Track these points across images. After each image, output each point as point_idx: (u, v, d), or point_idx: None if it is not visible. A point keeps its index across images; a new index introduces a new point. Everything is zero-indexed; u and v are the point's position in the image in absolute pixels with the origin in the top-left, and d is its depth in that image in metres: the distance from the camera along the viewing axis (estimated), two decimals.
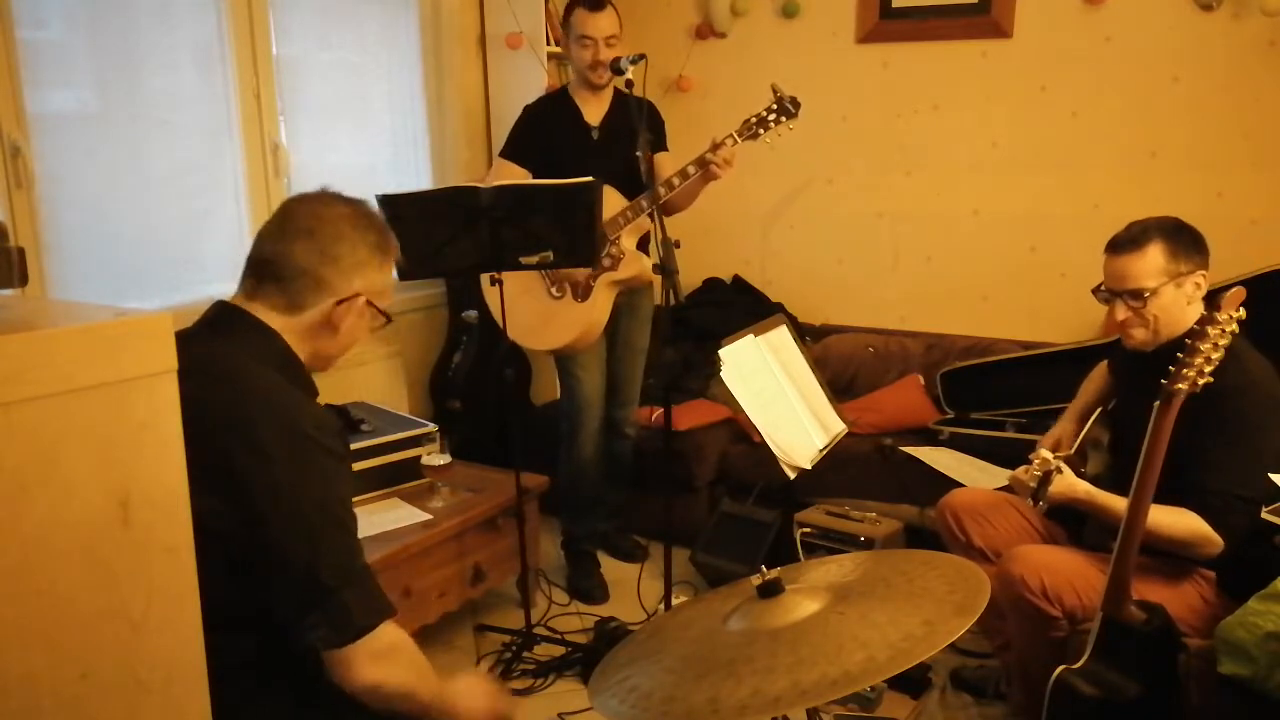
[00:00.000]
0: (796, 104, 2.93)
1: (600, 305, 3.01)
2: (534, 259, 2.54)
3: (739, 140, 2.90)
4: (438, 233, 2.48)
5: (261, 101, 3.06)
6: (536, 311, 3.01)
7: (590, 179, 2.50)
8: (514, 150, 3.12)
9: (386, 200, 2.42)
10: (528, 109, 3.17)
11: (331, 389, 3.15)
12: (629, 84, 2.61)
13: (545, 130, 3.10)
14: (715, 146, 2.87)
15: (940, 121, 3.75)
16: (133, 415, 1.00)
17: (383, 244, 1.51)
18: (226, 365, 1.36)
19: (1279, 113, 3.25)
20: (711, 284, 4.19)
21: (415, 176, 3.72)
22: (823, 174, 4.00)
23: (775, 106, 2.91)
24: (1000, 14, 3.56)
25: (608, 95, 3.12)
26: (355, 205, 1.51)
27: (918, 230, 3.87)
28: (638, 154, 3.02)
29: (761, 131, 2.92)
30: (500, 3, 3.75)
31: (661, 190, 2.89)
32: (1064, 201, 3.59)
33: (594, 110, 3.13)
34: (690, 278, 4.05)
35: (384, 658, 1.37)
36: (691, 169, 2.90)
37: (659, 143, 3.19)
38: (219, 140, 3.00)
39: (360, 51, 3.49)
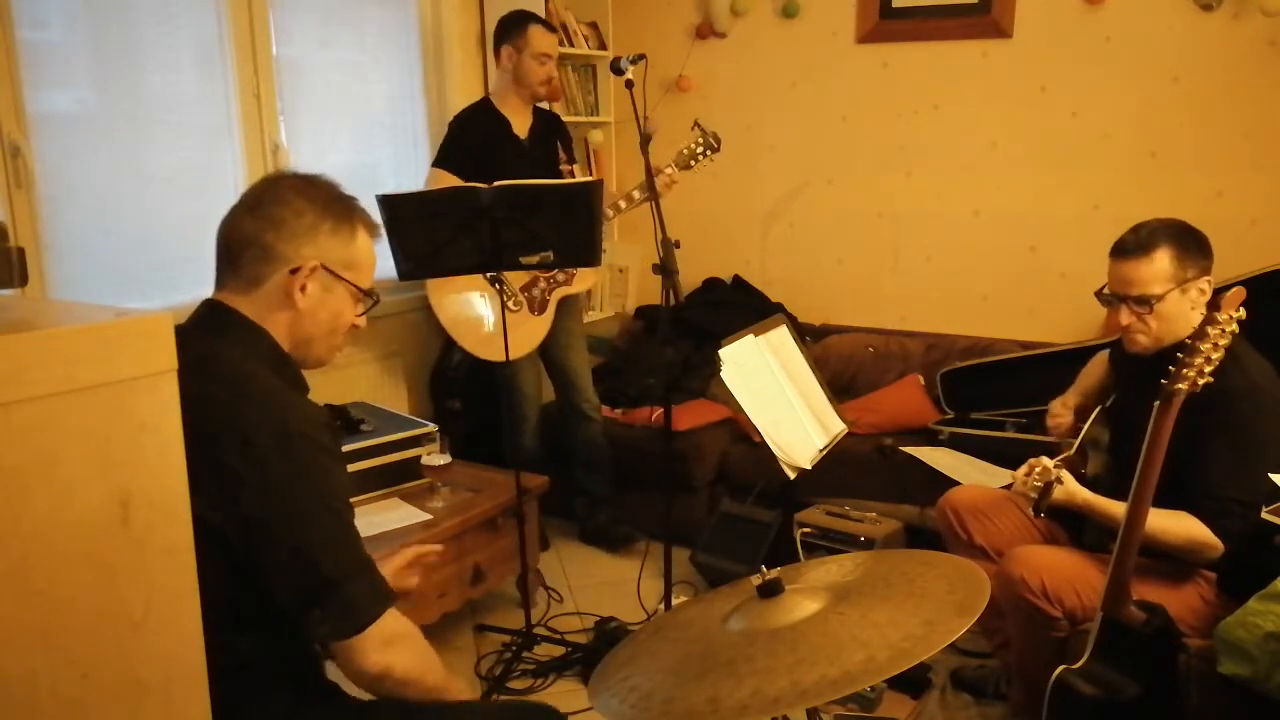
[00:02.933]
0: (718, 140, 3.26)
1: (551, 315, 3.29)
2: (534, 259, 2.55)
3: (677, 170, 3.21)
4: (438, 233, 2.48)
5: (261, 101, 3.06)
6: (495, 326, 3.07)
7: (594, 179, 2.51)
8: (449, 159, 3.21)
9: (386, 200, 2.42)
10: (460, 120, 3.30)
11: (331, 389, 3.15)
12: (629, 84, 2.61)
13: (479, 141, 3.22)
14: (656, 173, 3.10)
15: (940, 121, 3.75)
16: (133, 415, 1.00)
17: (336, 209, 1.45)
18: (222, 366, 1.35)
19: (1279, 113, 3.25)
20: (711, 284, 4.19)
21: (415, 176, 3.72)
22: (823, 174, 4.00)
23: (700, 142, 3.22)
24: (1000, 14, 3.56)
25: (530, 108, 3.32)
26: (307, 177, 1.47)
27: (918, 230, 3.87)
28: (562, 168, 3.30)
29: (692, 163, 3.24)
30: (500, 3, 3.75)
31: (610, 212, 3.21)
32: (1064, 201, 3.59)
33: (521, 122, 3.29)
34: (690, 278, 4.05)
35: (392, 643, 1.38)
36: (637, 194, 3.21)
37: (570, 155, 3.42)
38: (219, 140, 2.99)
39: (360, 51, 3.49)
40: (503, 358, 2.89)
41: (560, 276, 3.29)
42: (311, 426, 1.35)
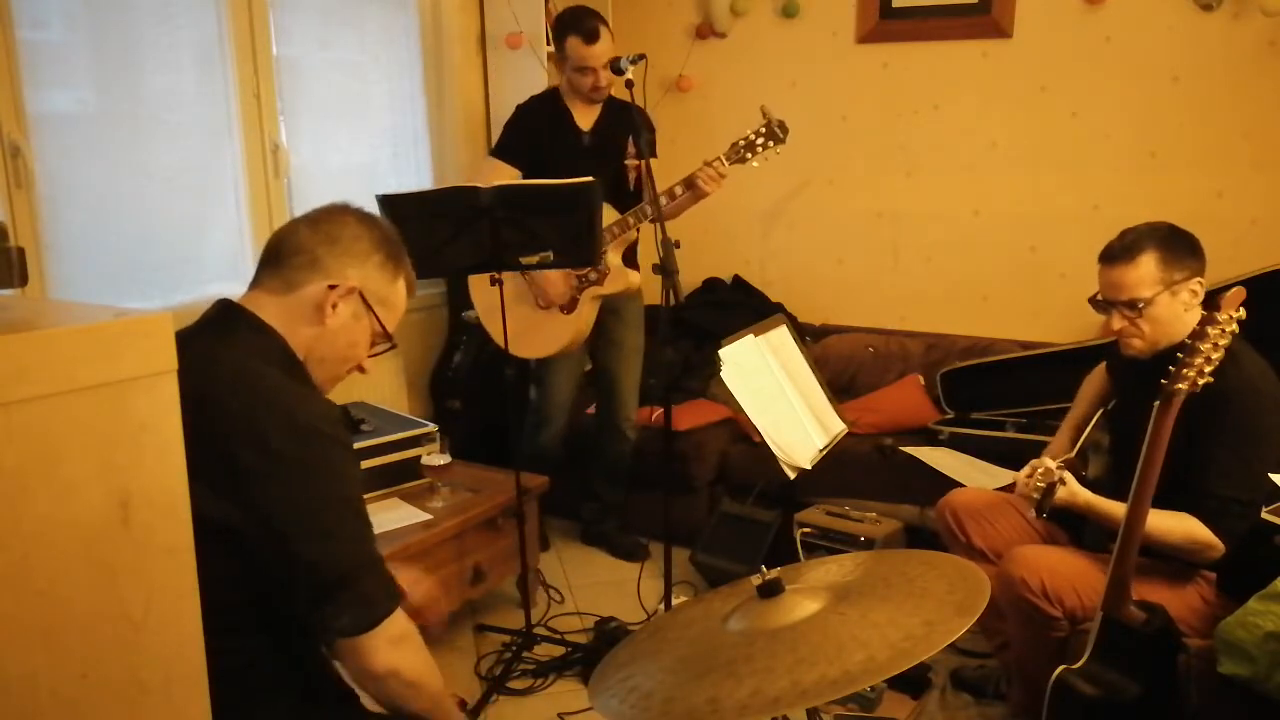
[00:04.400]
0: (785, 129, 2.94)
1: (585, 316, 3.11)
2: (534, 259, 2.55)
3: (726, 164, 2.93)
4: (438, 233, 2.48)
5: (261, 101, 3.06)
6: (524, 320, 3.05)
7: (589, 179, 2.50)
8: (506, 149, 3.15)
9: (386, 200, 2.42)
10: (521, 109, 3.21)
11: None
12: (629, 84, 2.61)
13: (538, 132, 3.14)
14: (706, 165, 2.93)
15: (940, 121, 3.75)
16: (133, 415, 1.00)
17: (390, 248, 1.51)
18: (230, 364, 1.36)
19: (1279, 113, 3.25)
20: (711, 284, 4.19)
21: (415, 176, 3.72)
22: (823, 174, 4.00)
23: (764, 130, 2.93)
24: (1000, 14, 3.56)
25: (600, 102, 3.17)
26: (372, 214, 1.53)
27: (918, 230, 3.87)
28: (627, 163, 3.11)
29: (749, 156, 2.95)
30: (500, 3, 3.75)
31: (649, 209, 2.95)
32: (1064, 201, 3.59)
33: (586, 116, 3.18)
34: (690, 278, 4.05)
35: (401, 642, 1.38)
36: (679, 189, 2.97)
37: (643, 150, 3.23)
38: (219, 140, 2.99)
39: (360, 51, 3.49)
40: (538, 354, 2.84)
41: (592, 275, 3.10)
42: (323, 420, 1.36)
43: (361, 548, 1.37)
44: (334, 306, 1.44)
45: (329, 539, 1.32)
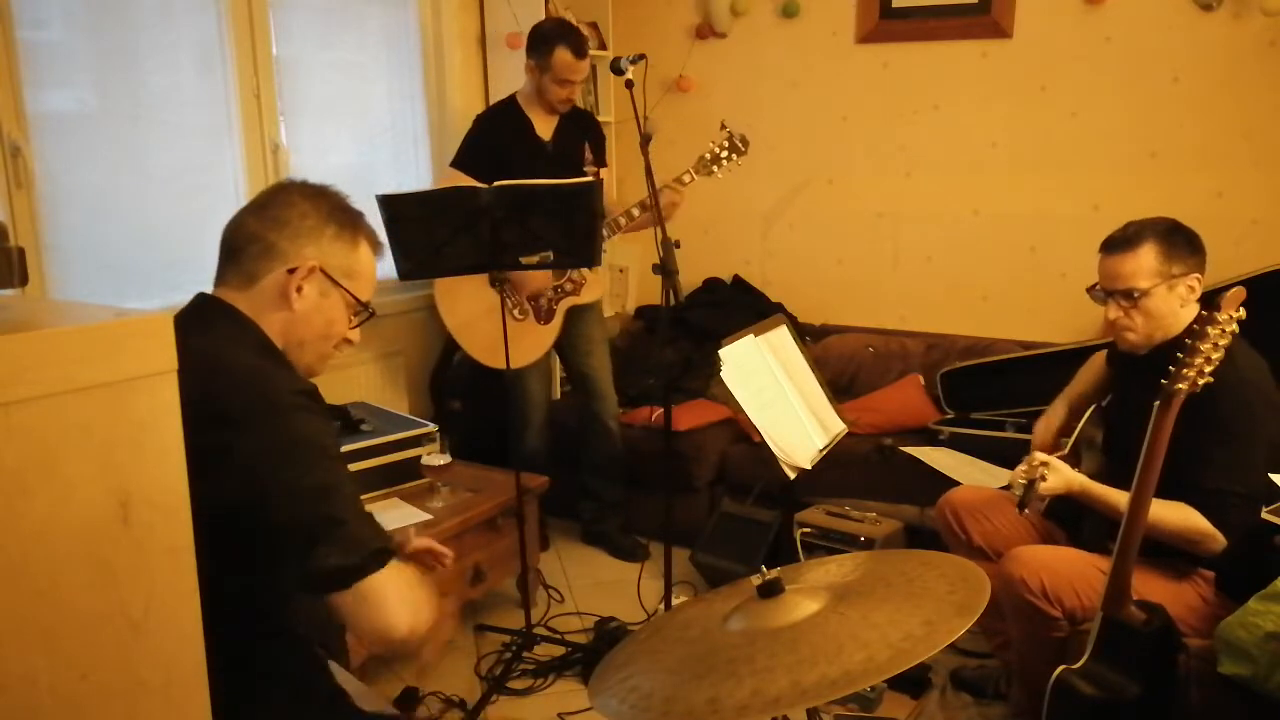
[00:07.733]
0: (745, 142, 3.16)
1: (558, 324, 3.25)
2: (534, 259, 2.55)
3: (694, 177, 3.10)
4: (438, 233, 2.48)
5: (261, 101, 3.06)
6: (500, 332, 3.04)
7: (591, 179, 2.51)
8: (468, 160, 3.19)
9: (386, 200, 2.42)
10: (482, 120, 3.27)
11: (332, 389, 3.15)
12: (629, 84, 2.61)
13: (501, 142, 3.19)
14: (675, 181, 3.08)
15: (940, 121, 3.75)
16: (133, 415, 1.00)
17: (341, 217, 1.46)
18: (200, 353, 1.32)
19: (1279, 113, 3.25)
20: (711, 284, 4.19)
21: (415, 176, 3.72)
22: (823, 174, 4.00)
23: (727, 144, 3.13)
24: (1000, 14, 3.56)
25: (563, 112, 3.27)
26: (316, 185, 1.48)
27: (918, 230, 3.87)
28: (586, 169, 3.23)
29: (715, 169, 3.14)
30: (500, 3, 3.75)
31: (622, 220, 3.13)
32: (1064, 202, 3.59)
33: (546, 125, 3.24)
34: (690, 278, 4.05)
35: (413, 586, 1.31)
36: (636, 212, 3.12)
37: (600, 158, 3.36)
38: (219, 140, 2.99)
39: (360, 51, 3.49)
40: (519, 364, 2.88)
41: (568, 286, 3.25)
42: (292, 391, 1.32)
43: (348, 495, 1.29)
44: (298, 290, 1.41)
45: (314, 486, 1.26)
